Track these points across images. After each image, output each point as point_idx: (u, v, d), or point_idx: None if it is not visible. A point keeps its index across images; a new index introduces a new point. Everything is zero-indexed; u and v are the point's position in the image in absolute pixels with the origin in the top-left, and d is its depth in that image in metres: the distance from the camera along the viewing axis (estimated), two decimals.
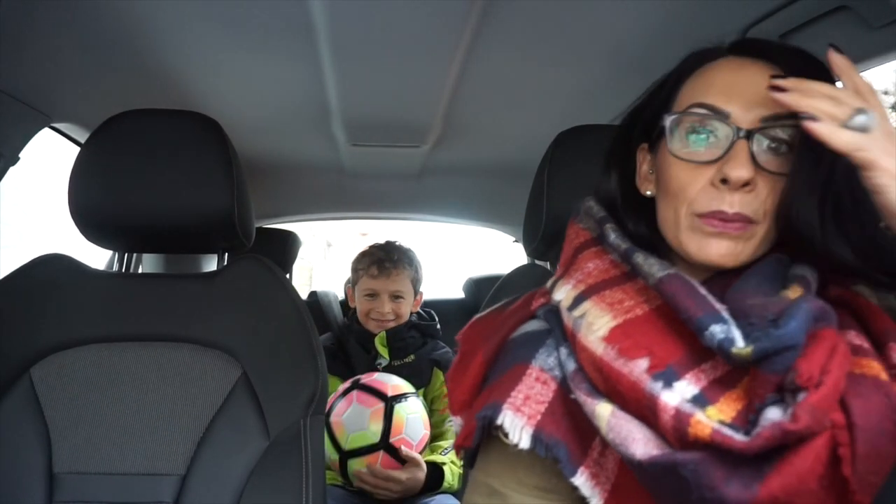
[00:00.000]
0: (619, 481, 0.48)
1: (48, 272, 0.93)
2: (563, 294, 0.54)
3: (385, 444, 1.24)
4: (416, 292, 1.58)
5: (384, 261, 1.53)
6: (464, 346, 0.62)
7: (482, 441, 0.55)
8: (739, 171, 0.48)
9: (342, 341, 1.57)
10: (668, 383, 0.45)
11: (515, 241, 2.16)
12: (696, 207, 0.51)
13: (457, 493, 1.32)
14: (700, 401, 0.44)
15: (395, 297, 1.53)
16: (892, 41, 0.72)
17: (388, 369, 1.49)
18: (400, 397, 1.31)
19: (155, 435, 0.86)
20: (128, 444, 0.85)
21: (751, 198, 0.50)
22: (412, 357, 1.51)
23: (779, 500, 0.40)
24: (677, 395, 0.44)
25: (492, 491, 0.54)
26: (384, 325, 1.52)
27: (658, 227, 0.56)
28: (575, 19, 0.88)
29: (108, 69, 1.04)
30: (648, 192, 0.57)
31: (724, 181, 0.49)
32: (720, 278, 0.52)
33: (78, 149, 0.93)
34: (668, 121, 0.53)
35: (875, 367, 0.44)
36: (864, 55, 0.75)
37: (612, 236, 0.55)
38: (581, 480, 0.48)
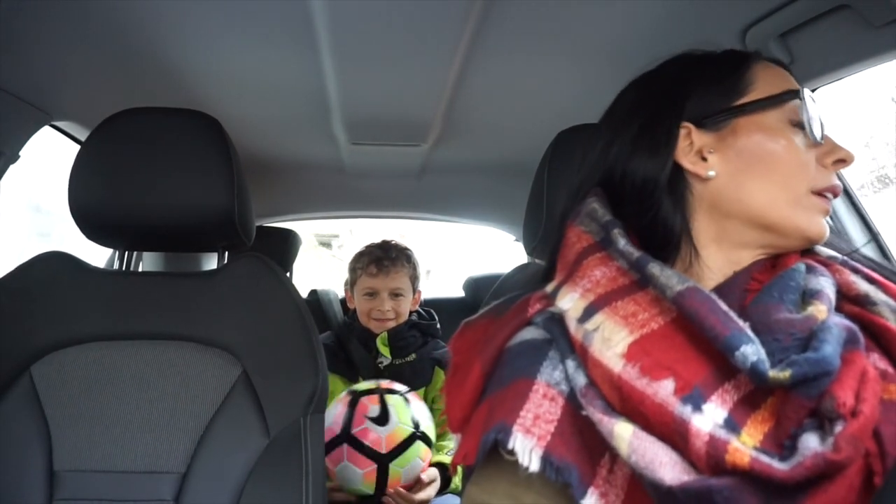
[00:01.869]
0: (629, 499, 0.46)
1: (48, 270, 0.93)
2: (570, 303, 0.51)
3: (381, 495, 1.22)
4: (415, 290, 1.58)
5: (382, 259, 1.53)
6: (456, 357, 0.59)
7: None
8: (850, 152, 0.54)
9: (343, 340, 1.57)
10: (697, 407, 0.43)
11: (516, 239, 2.16)
12: (816, 185, 0.54)
13: (461, 494, 1.32)
14: (731, 425, 0.43)
15: (395, 294, 1.53)
16: (893, 40, 0.71)
17: (390, 368, 1.49)
18: (396, 451, 1.21)
19: (155, 433, 0.86)
20: (128, 442, 0.85)
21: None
22: (413, 356, 1.51)
23: None
24: (709, 420, 0.42)
25: None
26: (385, 324, 1.52)
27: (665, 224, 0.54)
28: (574, 18, 0.88)
29: (108, 67, 1.04)
30: (711, 172, 0.54)
31: (840, 161, 0.54)
32: (735, 287, 0.51)
33: (78, 147, 0.93)
34: (802, 96, 0.55)
35: None
36: (865, 54, 0.75)
37: (622, 243, 0.53)
38: (591, 501, 0.46)
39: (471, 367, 0.55)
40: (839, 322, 0.45)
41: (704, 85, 0.56)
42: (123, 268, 1.02)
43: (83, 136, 1.18)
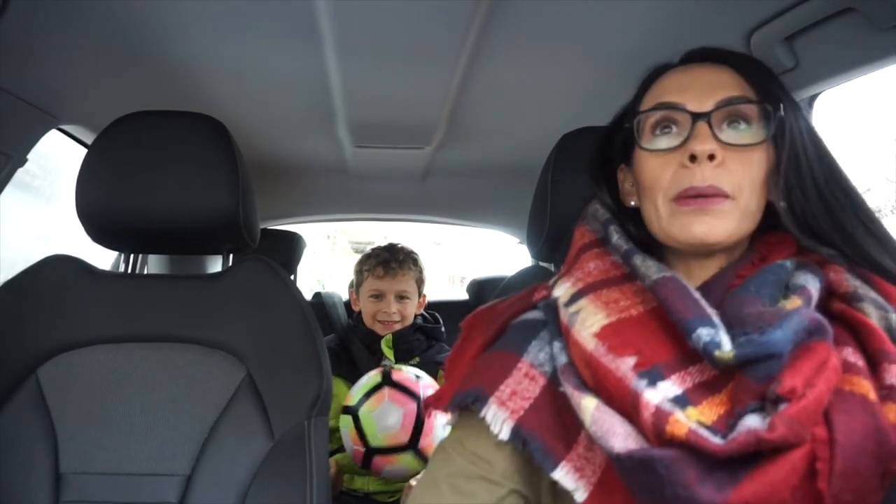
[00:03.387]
0: (606, 476, 0.49)
1: (55, 273, 0.93)
2: (562, 290, 0.56)
3: (414, 447, 1.21)
4: (420, 293, 1.58)
5: (389, 261, 1.53)
6: (465, 332, 0.64)
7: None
8: (703, 145, 0.52)
9: (346, 343, 1.57)
10: (653, 382, 0.46)
11: (520, 242, 2.16)
12: (670, 192, 0.54)
13: None
14: (681, 401, 0.45)
15: (401, 297, 1.53)
16: None
17: None
18: None
19: (160, 435, 0.86)
20: (133, 445, 0.85)
21: (720, 171, 0.52)
22: (417, 359, 1.51)
23: None
24: (660, 393, 0.46)
25: (443, 451, 0.58)
26: (391, 326, 1.52)
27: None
28: (579, 21, 0.88)
29: (114, 71, 1.05)
30: (633, 203, 0.60)
31: (692, 158, 0.52)
32: (720, 283, 0.53)
33: (85, 150, 0.94)
34: (634, 122, 0.57)
35: (864, 386, 0.45)
36: (872, 58, 0.75)
37: (615, 237, 0.57)
38: (561, 474, 0.50)
39: (474, 340, 0.60)
40: (807, 314, 0.46)
41: (621, 127, 0.62)
42: (129, 270, 1.03)
43: (90, 140, 1.18)
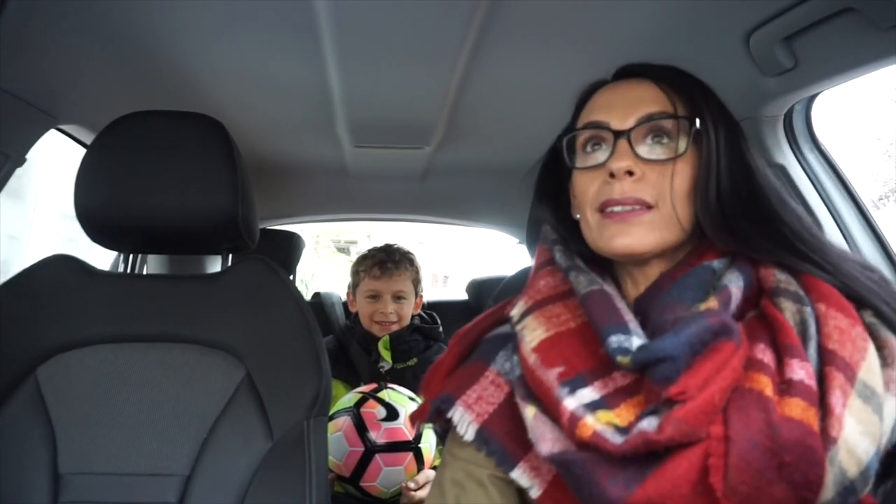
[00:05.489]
0: (558, 475, 0.52)
1: (54, 273, 0.93)
2: (516, 309, 0.59)
3: (355, 483, 1.23)
4: (417, 293, 1.58)
5: (386, 262, 1.53)
6: (448, 346, 0.67)
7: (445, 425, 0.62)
8: (619, 162, 0.55)
9: (344, 344, 1.57)
10: (573, 390, 0.50)
11: (519, 242, 2.16)
12: (595, 203, 0.57)
13: None
14: (597, 405, 0.49)
15: (398, 297, 1.53)
16: None
17: (391, 372, 1.49)
18: (420, 434, 1.25)
19: (160, 435, 0.86)
20: (133, 445, 0.85)
21: (640, 185, 0.55)
22: (415, 360, 1.51)
23: (652, 501, 0.43)
24: (576, 400, 0.49)
25: (442, 461, 0.62)
26: (388, 327, 1.52)
27: None
28: (578, 22, 0.88)
29: (114, 71, 1.05)
30: (577, 216, 0.62)
31: (612, 175, 0.56)
32: (655, 290, 0.56)
33: (84, 150, 0.94)
34: (563, 142, 0.61)
35: (762, 382, 0.46)
36: (872, 58, 0.75)
37: (557, 256, 0.61)
38: (518, 473, 0.54)
39: (451, 352, 0.65)
40: (710, 316, 0.48)
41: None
42: (128, 270, 1.03)
43: (89, 140, 1.18)
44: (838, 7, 0.73)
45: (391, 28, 0.89)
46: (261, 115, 1.29)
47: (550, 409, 0.51)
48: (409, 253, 1.60)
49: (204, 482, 0.84)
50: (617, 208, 0.55)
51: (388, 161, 1.61)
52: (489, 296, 1.01)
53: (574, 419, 0.48)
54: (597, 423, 0.47)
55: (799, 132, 0.99)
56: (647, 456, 0.45)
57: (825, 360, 0.47)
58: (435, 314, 1.66)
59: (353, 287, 1.60)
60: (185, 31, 0.93)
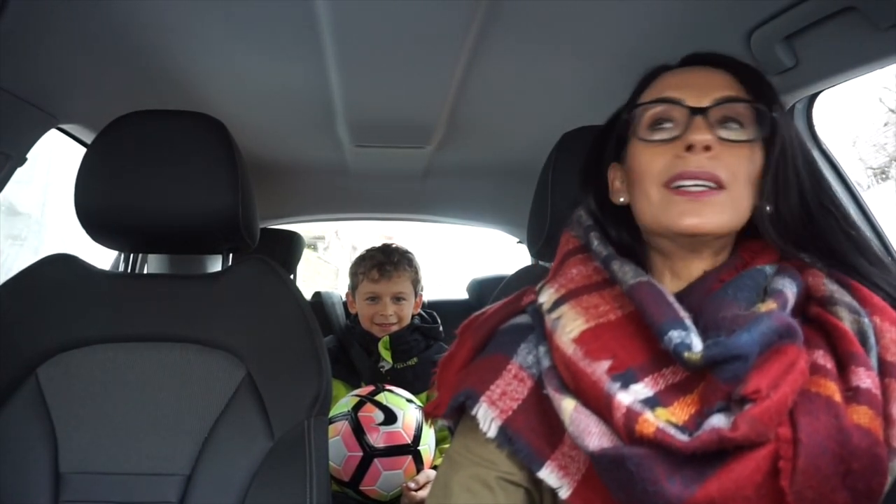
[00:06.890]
0: (590, 473, 0.51)
1: (55, 273, 0.93)
2: (545, 297, 0.58)
3: (354, 487, 1.24)
4: (417, 294, 1.58)
5: (384, 263, 1.52)
6: (459, 337, 0.66)
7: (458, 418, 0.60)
8: (701, 135, 0.53)
9: (344, 345, 1.57)
10: (626, 385, 0.48)
11: (520, 241, 2.16)
12: (662, 178, 0.55)
13: None
14: (652, 402, 0.47)
15: (397, 298, 1.53)
16: None
17: (392, 372, 1.49)
18: (417, 434, 1.26)
19: (160, 435, 0.86)
20: (133, 444, 0.85)
21: (715, 162, 0.53)
22: (415, 360, 1.51)
23: (714, 501, 0.42)
24: (631, 395, 0.48)
25: (450, 460, 0.59)
26: (388, 328, 1.51)
27: (640, 236, 0.60)
28: (579, 21, 0.88)
29: (114, 71, 1.05)
30: (622, 199, 0.61)
31: (689, 148, 0.53)
32: (701, 287, 0.55)
33: (84, 150, 0.94)
34: (632, 113, 0.58)
35: (830, 388, 0.46)
36: (872, 57, 0.75)
37: (595, 243, 0.59)
38: (546, 473, 0.52)
39: (464, 345, 0.62)
40: (777, 317, 0.47)
41: (617, 125, 0.63)
42: (129, 270, 1.03)
43: (89, 139, 1.18)
44: (839, 6, 0.73)
45: (392, 28, 0.89)
46: (261, 115, 1.29)
47: (594, 403, 0.49)
48: (407, 253, 1.59)
49: (205, 482, 0.84)
50: (689, 183, 0.53)
51: (389, 161, 1.61)
52: (489, 295, 1.01)
53: (632, 415, 0.46)
54: (658, 420, 0.45)
55: (800, 131, 0.99)
56: (707, 456, 0.43)
57: (885, 372, 0.47)
58: (435, 313, 1.66)
59: (352, 289, 1.59)
60: (186, 32, 0.93)
